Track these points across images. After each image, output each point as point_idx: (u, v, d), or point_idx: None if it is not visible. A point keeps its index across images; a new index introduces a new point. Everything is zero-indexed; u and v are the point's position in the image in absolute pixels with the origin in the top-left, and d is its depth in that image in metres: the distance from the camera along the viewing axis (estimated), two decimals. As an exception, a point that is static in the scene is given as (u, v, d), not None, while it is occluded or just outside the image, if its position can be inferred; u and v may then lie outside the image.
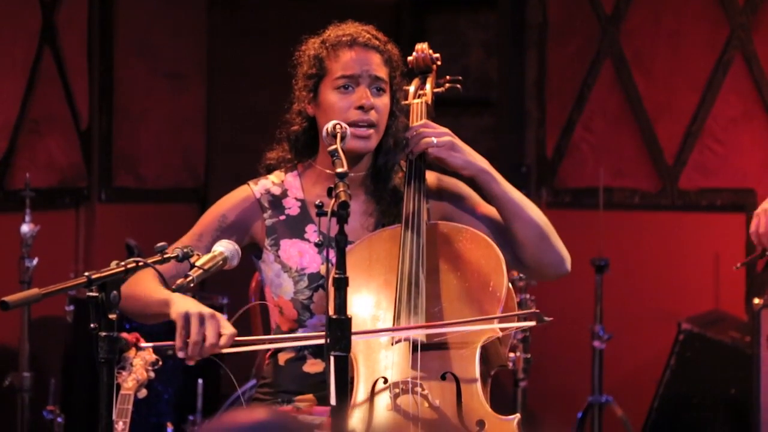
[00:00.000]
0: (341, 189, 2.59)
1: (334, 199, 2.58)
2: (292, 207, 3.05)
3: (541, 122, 6.07)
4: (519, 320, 2.90)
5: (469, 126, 6.30)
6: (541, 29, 6.05)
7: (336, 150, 2.74)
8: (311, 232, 3.01)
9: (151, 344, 2.87)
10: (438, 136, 2.99)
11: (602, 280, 5.29)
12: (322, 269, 2.97)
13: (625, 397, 5.45)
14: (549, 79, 6.04)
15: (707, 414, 5.20)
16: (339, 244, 2.55)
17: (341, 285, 2.54)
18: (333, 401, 2.51)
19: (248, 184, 3.10)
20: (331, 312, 2.53)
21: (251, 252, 3.08)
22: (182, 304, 2.79)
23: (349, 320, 2.54)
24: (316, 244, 2.94)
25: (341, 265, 2.55)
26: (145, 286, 2.88)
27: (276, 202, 3.06)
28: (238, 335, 2.81)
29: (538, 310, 2.79)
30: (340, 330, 2.51)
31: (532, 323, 2.80)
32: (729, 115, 5.62)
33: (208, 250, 2.84)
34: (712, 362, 5.20)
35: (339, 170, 2.65)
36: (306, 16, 6.30)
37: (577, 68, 5.95)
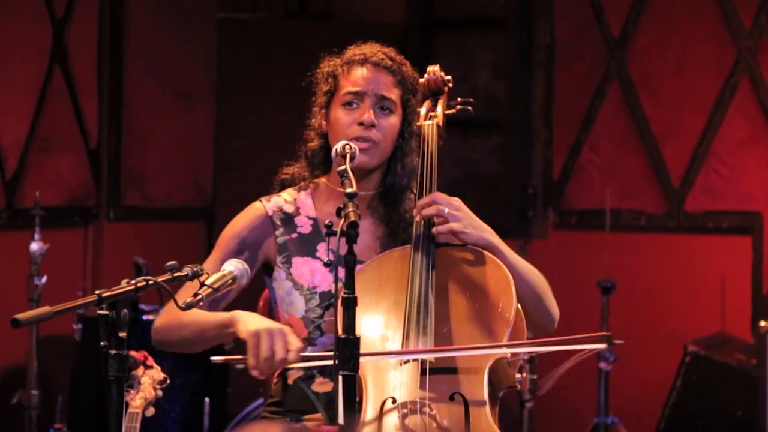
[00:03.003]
0: (350, 209, 2.61)
1: (343, 219, 2.60)
2: (304, 225, 3.07)
3: (548, 143, 6.08)
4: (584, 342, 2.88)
5: (476, 146, 6.32)
6: (548, 50, 6.07)
7: (345, 170, 2.76)
8: (323, 250, 3.03)
9: (222, 358, 2.87)
10: (446, 222, 2.94)
11: (608, 302, 5.29)
12: (334, 287, 2.98)
13: (632, 418, 5.45)
14: (556, 100, 6.06)
15: (713, 436, 5.21)
16: (348, 263, 2.57)
17: (350, 305, 2.56)
18: (341, 420, 2.52)
19: (260, 201, 3.11)
20: (339, 331, 2.55)
21: (262, 270, 3.10)
22: (251, 322, 2.81)
23: (357, 340, 2.55)
24: (326, 264, 2.95)
25: (350, 284, 2.57)
26: (191, 313, 2.89)
27: (288, 219, 3.07)
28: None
29: (609, 333, 2.80)
30: (348, 350, 2.52)
31: (603, 346, 2.81)
32: (736, 138, 5.63)
33: None
34: (719, 384, 5.19)
35: (348, 190, 2.67)
36: (315, 36, 6.32)
37: (585, 90, 5.97)
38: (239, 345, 2.87)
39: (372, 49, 3.06)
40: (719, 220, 5.67)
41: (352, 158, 2.85)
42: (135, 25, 5.81)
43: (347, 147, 2.87)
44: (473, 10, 6.49)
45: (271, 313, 3.19)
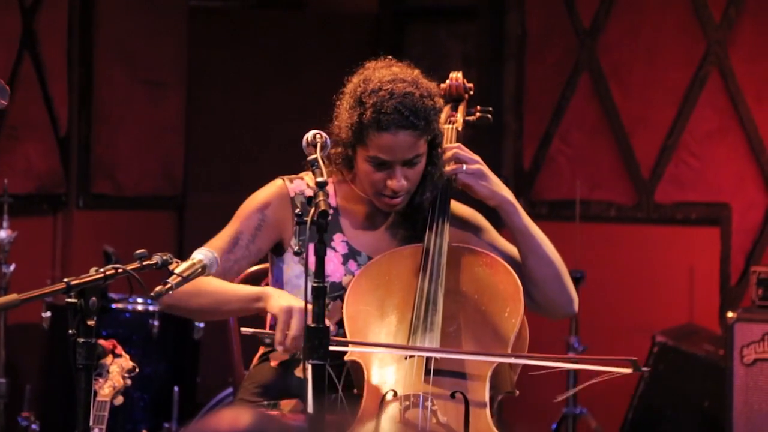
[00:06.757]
0: (320, 198, 2.62)
1: (313, 209, 2.60)
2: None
3: (518, 134, 6.10)
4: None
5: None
6: (519, 41, 6.09)
7: (316, 159, 2.76)
8: (339, 240, 3.03)
9: (252, 330, 2.86)
10: (469, 163, 3.01)
11: (578, 292, 5.30)
12: (344, 280, 3.00)
13: (600, 408, 5.47)
14: (527, 91, 6.08)
15: (681, 426, 5.23)
16: (318, 252, 2.58)
17: (319, 294, 2.56)
18: (310, 409, 2.53)
19: (283, 180, 3.10)
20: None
21: (270, 250, 3.09)
22: (284, 299, 2.83)
23: (327, 329, 2.55)
24: (296, 253, 2.96)
25: (320, 274, 2.57)
26: (213, 282, 2.88)
27: (308, 204, 3.06)
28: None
29: (635, 358, 2.80)
30: (317, 339, 2.53)
31: (628, 370, 2.82)
32: (705, 130, 5.67)
33: (248, 251, 2.96)
34: (686, 375, 5.23)
35: (319, 179, 2.67)
36: (287, 26, 6.31)
37: (555, 81, 5.98)
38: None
39: (397, 100, 2.90)
40: (688, 211, 5.70)
41: (323, 147, 2.84)
42: (105, 13, 5.78)
43: (318, 136, 2.87)
44: (445, 0, 6.49)
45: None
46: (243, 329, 2.86)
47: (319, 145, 2.83)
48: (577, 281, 5.32)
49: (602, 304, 5.70)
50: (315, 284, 2.57)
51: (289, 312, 2.79)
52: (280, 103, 6.06)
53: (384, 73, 2.98)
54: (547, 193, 6.01)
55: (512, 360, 2.84)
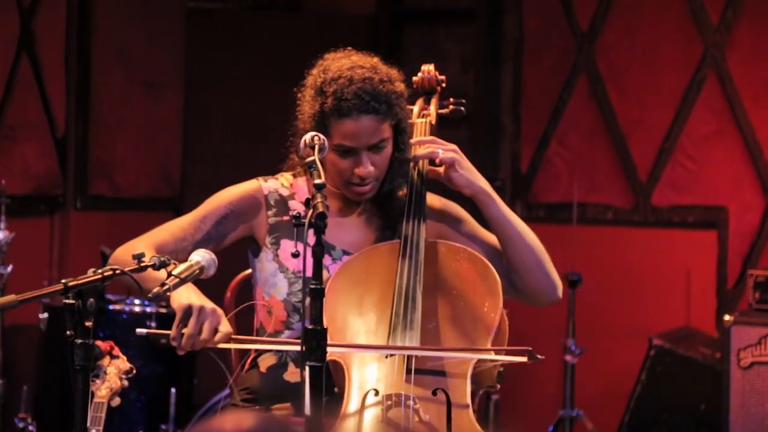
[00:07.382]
0: (318, 200, 2.62)
1: (311, 210, 2.60)
2: (297, 209, 3.07)
3: (516, 136, 6.10)
4: (510, 354, 2.89)
5: (444, 138, 6.32)
6: (517, 44, 6.09)
7: (313, 161, 2.76)
8: (312, 236, 3.03)
9: (146, 330, 2.86)
10: (444, 151, 3.01)
11: (575, 295, 5.32)
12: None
13: (596, 411, 5.48)
14: (525, 93, 6.08)
15: (677, 429, 5.24)
16: (315, 254, 2.58)
17: (317, 295, 2.56)
18: (307, 411, 2.53)
19: (258, 179, 3.13)
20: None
21: (248, 248, 3.10)
22: (185, 295, 2.81)
23: (324, 331, 2.55)
24: (293, 255, 2.96)
25: (317, 275, 2.57)
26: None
27: (282, 202, 3.08)
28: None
29: (530, 348, 2.81)
30: (315, 340, 2.52)
31: (523, 359, 2.82)
32: (702, 133, 5.67)
33: (209, 235, 2.96)
34: (683, 378, 5.23)
35: (317, 181, 2.67)
36: (284, 27, 6.31)
37: (553, 83, 5.99)
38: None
39: (356, 86, 2.94)
40: (685, 214, 5.71)
41: (321, 149, 2.85)
42: (103, 14, 5.78)
43: (315, 138, 2.87)
44: (443, 2, 6.50)
45: (236, 304, 3.20)
46: (138, 330, 2.85)
47: (317, 147, 2.84)
48: (573, 284, 5.33)
49: (599, 307, 5.71)
50: (312, 286, 2.57)
51: (187, 310, 2.79)
52: (277, 105, 6.05)
53: (343, 62, 3.01)
54: (544, 196, 6.01)
55: (392, 351, 2.81)
